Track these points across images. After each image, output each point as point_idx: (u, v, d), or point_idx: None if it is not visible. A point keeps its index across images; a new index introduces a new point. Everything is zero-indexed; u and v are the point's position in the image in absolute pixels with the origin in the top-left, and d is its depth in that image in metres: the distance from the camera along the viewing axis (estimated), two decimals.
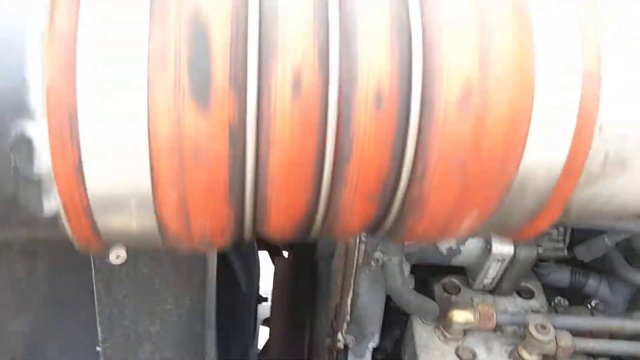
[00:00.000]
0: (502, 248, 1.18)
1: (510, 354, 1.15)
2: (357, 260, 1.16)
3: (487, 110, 0.60)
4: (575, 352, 1.12)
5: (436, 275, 1.30)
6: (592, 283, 1.31)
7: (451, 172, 0.63)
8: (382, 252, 1.14)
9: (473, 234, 0.80)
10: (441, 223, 0.68)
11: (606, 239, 1.21)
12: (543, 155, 0.64)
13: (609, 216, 1.00)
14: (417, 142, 0.61)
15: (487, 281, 1.25)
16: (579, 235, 1.25)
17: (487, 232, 0.80)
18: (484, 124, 0.60)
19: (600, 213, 0.75)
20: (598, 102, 0.63)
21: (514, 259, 1.18)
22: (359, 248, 1.14)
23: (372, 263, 1.14)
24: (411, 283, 1.21)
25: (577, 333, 1.15)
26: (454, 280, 1.30)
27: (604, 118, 0.64)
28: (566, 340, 1.09)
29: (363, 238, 1.14)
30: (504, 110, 0.61)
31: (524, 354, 1.11)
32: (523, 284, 1.29)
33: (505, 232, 0.76)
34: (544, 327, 1.09)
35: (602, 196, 0.70)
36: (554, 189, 0.67)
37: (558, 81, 0.62)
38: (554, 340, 1.08)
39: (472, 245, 1.22)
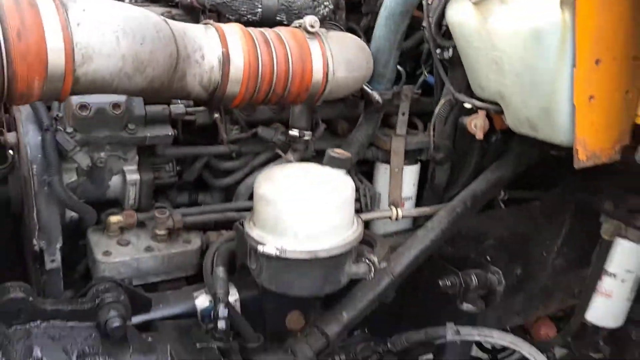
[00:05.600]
0: (132, 176, 1.72)
1: (152, 235, 1.76)
2: (33, 185, 1.57)
3: None
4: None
5: None
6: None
7: None
8: (48, 175, 1.55)
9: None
10: None
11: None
12: None
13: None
14: None
15: (132, 202, 1.76)
16: None
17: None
18: None
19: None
20: None
21: (141, 182, 1.73)
22: (32, 175, 1.57)
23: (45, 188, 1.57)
24: None
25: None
26: None
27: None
28: (178, 217, 1.74)
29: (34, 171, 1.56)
30: None
31: (156, 231, 1.74)
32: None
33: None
34: (163, 211, 1.73)
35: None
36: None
37: None
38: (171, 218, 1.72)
39: (115, 179, 1.72)
